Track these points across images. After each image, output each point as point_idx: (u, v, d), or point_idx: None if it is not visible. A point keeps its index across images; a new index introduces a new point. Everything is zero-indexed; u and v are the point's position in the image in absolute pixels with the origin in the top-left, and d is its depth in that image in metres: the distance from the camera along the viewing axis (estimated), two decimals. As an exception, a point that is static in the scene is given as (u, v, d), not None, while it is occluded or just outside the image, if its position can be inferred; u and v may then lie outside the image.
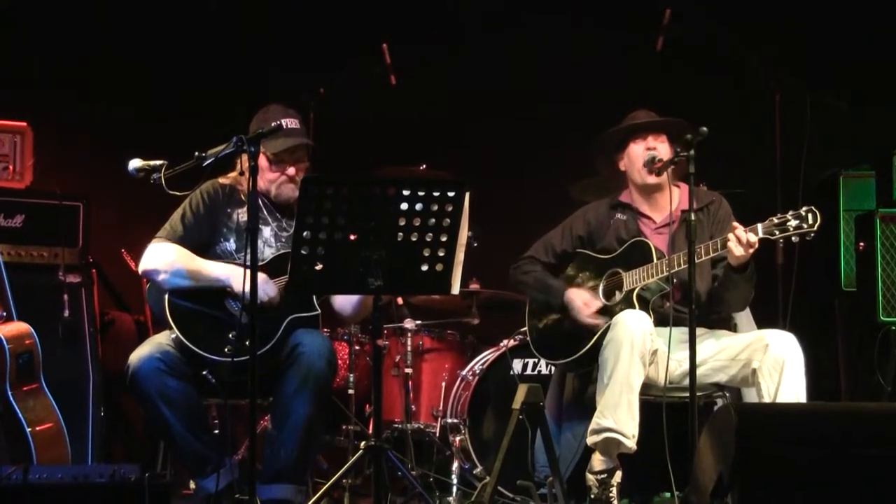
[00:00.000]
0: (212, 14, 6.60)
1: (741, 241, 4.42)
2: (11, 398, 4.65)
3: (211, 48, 6.52)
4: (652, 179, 4.83)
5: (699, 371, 4.43)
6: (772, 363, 4.49)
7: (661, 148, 4.84)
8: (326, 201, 3.98)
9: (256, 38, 6.61)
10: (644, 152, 4.84)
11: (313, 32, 6.66)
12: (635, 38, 6.21)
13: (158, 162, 4.28)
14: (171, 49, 6.50)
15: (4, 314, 4.85)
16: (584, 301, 4.81)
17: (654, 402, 4.60)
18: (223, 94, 6.34)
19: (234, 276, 4.48)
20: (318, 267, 4.06)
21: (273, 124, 4.41)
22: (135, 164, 4.30)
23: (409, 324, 5.85)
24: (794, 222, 4.38)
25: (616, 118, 4.99)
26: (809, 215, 4.37)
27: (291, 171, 4.68)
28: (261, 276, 4.30)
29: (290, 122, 4.61)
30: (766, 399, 4.47)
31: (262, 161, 4.62)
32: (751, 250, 4.44)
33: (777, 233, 4.41)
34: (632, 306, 4.68)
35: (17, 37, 6.39)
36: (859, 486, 3.49)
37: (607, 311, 4.76)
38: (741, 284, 4.62)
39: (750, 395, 4.82)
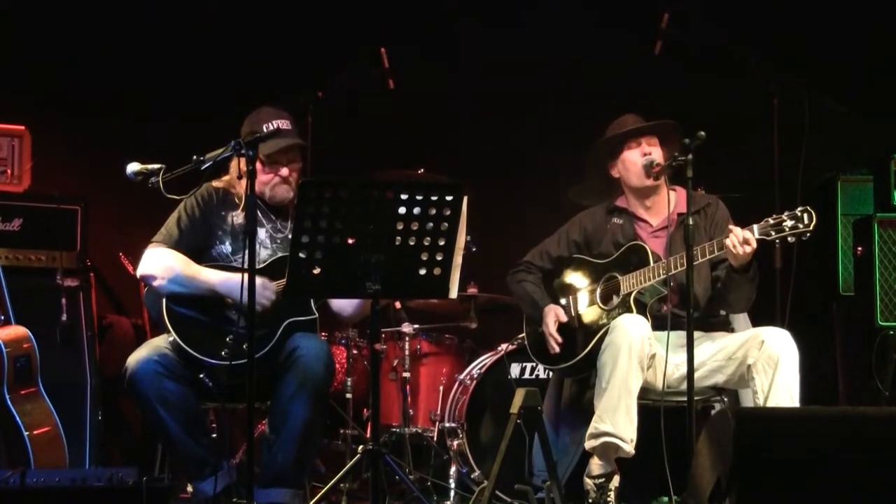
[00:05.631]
0: (211, 16, 6.59)
1: (739, 241, 4.42)
2: (9, 402, 4.66)
3: (210, 51, 6.52)
4: (650, 183, 4.84)
5: (697, 374, 4.44)
6: (766, 359, 4.50)
7: (655, 151, 4.86)
8: (324, 205, 3.98)
9: (256, 40, 6.61)
10: (641, 157, 4.84)
11: (312, 35, 6.65)
12: (634, 42, 6.21)
13: (156, 165, 4.28)
14: (169, 51, 6.50)
15: (2, 318, 4.85)
16: (554, 318, 4.84)
17: (652, 407, 4.60)
18: (222, 97, 6.33)
19: (231, 285, 4.48)
20: (316, 271, 4.06)
21: (269, 126, 4.45)
22: (133, 167, 4.30)
23: (406, 328, 5.85)
24: (789, 222, 4.38)
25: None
26: (805, 215, 4.37)
27: (285, 171, 4.70)
28: (259, 281, 4.30)
29: (281, 124, 4.62)
30: (760, 395, 4.48)
31: (256, 164, 4.63)
32: (749, 249, 4.44)
33: (773, 233, 4.41)
34: (629, 310, 4.68)
35: (15, 39, 6.39)
36: (856, 491, 3.49)
37: (588, 329, 4.77)
38: (744, 285, 4.62)
39: (747, 398, 4.82)
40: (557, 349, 4.81)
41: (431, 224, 4.05)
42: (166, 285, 4.54)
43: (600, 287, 4.86)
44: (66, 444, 4.84)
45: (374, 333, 4.27)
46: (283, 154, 4.68)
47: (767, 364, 4.50)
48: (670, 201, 4.79)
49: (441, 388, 5.86)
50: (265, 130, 4.41)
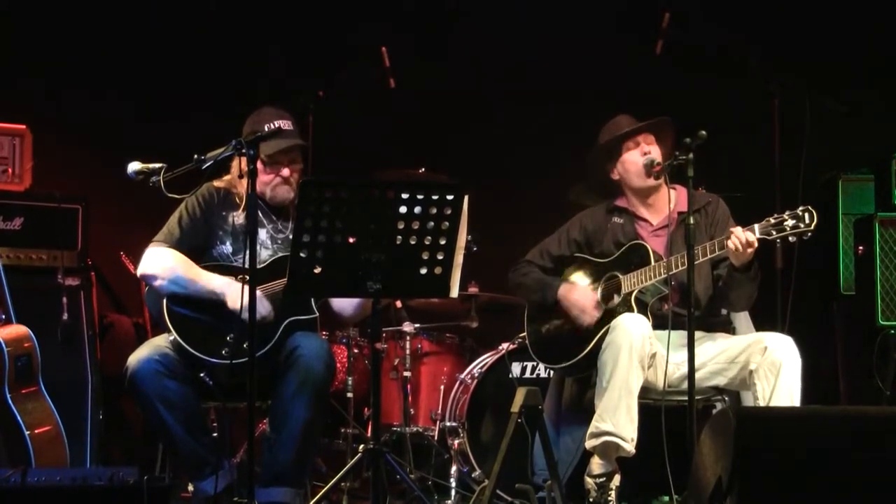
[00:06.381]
0: (211, 15, 6.60)
1: (741, 241, 4.42)
2: (10, 401, 4.65)
3: (211, 50, 6.52)
4: (651, 182, 4.84)
5: (698, 374, 4.44)
6: (769, 365, 4.50)
7: (653, 150, 4.86)
8: (325, 204, 3.98)
9: (256, 40, 6.61)
10: (641, 157, 4.85)
11: (312, 35, 6.65)
12: (634, 41, 6.21)
13: (157, 165, 4.28)
14: (170, 51, 6.50)
15: (3, 317, 4.85)
16: (581, 297, 4.81)
17: (652, 406, 4.61)
18: (223, 96, 6.33)
19: (230, 292, 4.48)
20: (317, 270, 4.06)
21: (270, 126, 4.45)
22: (134, 166, 4.31)
23: (407, 327, 5.85)
24: (790, 222, 4.38)
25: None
26: (806, 215, 4.37)
27: (286, 172, 4.70)
28: (258, 293, 4.30)
29: (283, 124, 4.62)
30: (761, 401, 4.49)
31: (257, 164, 4.63)
32: (751, 250, 4.44)
33: (774, 233, 4.42)
34: (630, 309, 4.68)
35: (15, 39, 6.39)
36: (858, 490, 3.49)
37: (605, 312, 4.77)
38: (745, 284, 4.63)
39: (748, 399, 4.82)
40: (597, 314, 4.76)
41: (432, 223, 4.05)
42: (167, 285, 4.54)
43: (601, 286, 4.86)
44: (67, 443, 4.84)
45: (375, 332, 4.27)
46: (285, 154, 4.68)
47: (770, 370, 4.49)
48: (671, 200, 4.80)
49: (442, 387, 5.86)
50: (266, 130, 4.41)
